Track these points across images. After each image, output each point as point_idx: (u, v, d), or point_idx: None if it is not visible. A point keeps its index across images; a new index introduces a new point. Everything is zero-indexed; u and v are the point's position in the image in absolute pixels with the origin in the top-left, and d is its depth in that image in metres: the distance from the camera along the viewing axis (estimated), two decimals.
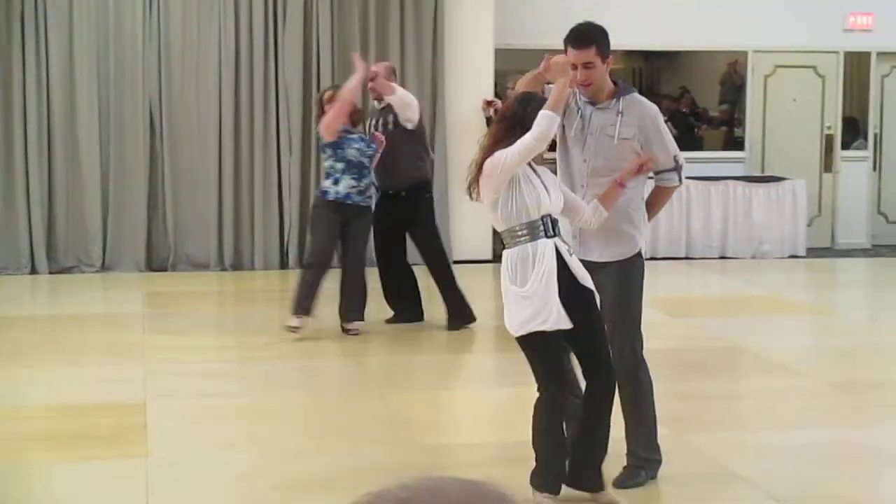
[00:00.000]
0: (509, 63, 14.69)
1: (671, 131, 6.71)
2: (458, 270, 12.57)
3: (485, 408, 8.37)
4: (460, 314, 10.46)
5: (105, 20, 13.54)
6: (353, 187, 10.02)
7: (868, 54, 16.25)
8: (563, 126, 6.19)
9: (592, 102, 6.26)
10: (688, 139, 16.21)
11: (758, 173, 15.89)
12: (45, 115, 13.47)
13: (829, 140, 16.29)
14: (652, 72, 16.29)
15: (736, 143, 16.24)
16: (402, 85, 12.13)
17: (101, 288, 13.04)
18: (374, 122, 10.56)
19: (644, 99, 6.42)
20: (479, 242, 14.54)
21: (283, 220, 14.06)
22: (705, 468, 6.75)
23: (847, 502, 6.35)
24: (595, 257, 6.23)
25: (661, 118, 6.40)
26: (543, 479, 6.01)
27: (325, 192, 10.08)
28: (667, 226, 15.14)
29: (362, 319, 10.30)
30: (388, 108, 10.41)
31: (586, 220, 6.08)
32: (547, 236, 5.82)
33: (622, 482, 6.38)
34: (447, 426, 8.05)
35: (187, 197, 13.80)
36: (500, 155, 5.79)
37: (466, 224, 14.39)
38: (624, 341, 6.30)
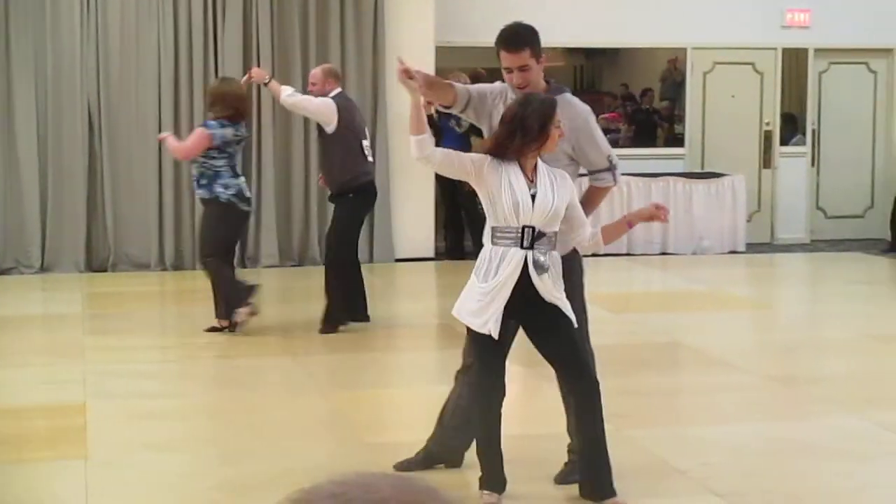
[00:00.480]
0: (451, 61, 14.71)
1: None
2: (401, 268, 12.60)
3: (427, 406, 8.35)
4: (333, 318, 10.41)
5: (42, 19, 13.42)
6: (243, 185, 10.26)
7: (805, 51, 16.40)
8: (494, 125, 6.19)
9: None
10: (650, 137, 16.34)
11: (698, 169, 15.99)
12: None
13: (767, 136, 16.42)
14: (593, 69, 16.36)
15: (676, 140, 16.33)
16: (343, 84, 12.12)
17: (41, 289, 12.93)
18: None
19: (576, 99, 6.42)
20: (422, 241, 14.55)
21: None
22: (646, 463, 6.78)
23: (785, 496, 6.40)
24: None
25: (593, 118, 6.40)
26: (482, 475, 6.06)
27: (225, 191, 10.05)
28: (607, 223, 15.16)
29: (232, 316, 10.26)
30: None
31: (580, 241, 6.10)
32: (521, 247, 5.82)
33: (563, 478, 6.40)
34: (389, 425, 8.04)
35: (127, 196, 13.71)
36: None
37: (408, 222, 14.40)
38: None
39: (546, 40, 15.68)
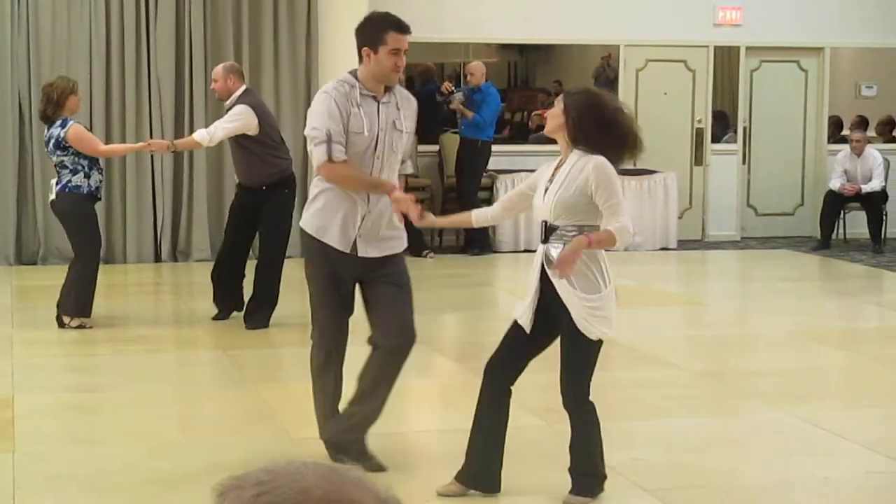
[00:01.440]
0: None
1: None
2: None
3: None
4: (263, 313, 10.40)
5: None
6: (101, 181, 10.27)
7: (737, 48, 16.54)
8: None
9: (374, 97, 6.36)
10: None
11: (629, 166, 15.95)
12: None
13: (699, 133, 16.54)
14: (527, 65, 16.41)
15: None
16: (276, 80, 12.09)
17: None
18: None
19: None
20: None
21: (156, 213, 13.91)
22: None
23: (715, 491, 6.45)
24: (374, 253, 6.37)
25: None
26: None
27: (78, 187, 9.99)
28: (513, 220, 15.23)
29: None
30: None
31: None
32: (542, 241, 5.97)
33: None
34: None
35: None
36: None
37: None
38: None
39: (480, 35, 15.79)
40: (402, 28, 6.40)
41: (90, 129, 13.41)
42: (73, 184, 10.00)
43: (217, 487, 1.64)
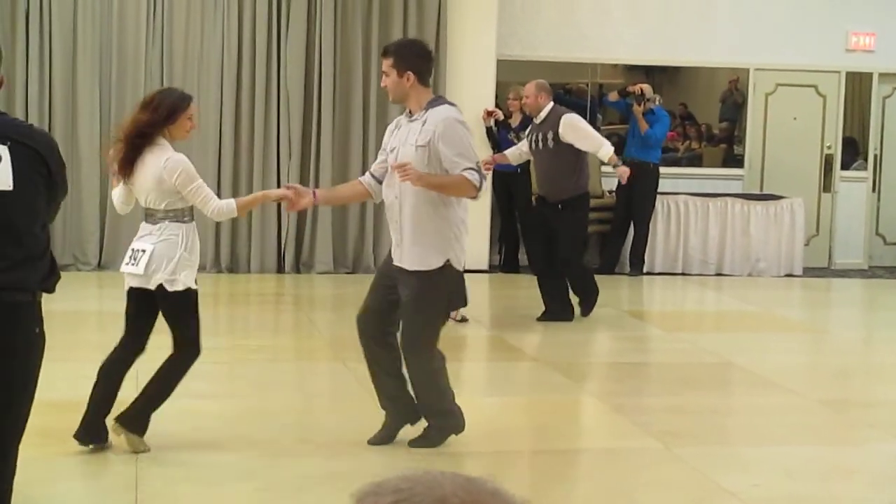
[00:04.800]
0: (511, 74, 14.73)
1: None
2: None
3: (478, 416, 8.36)
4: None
5: (108, 22, 13.58)
6: None
7: (870, 75, 16.29)
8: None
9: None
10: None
11: (756, 191, 15.90)
12: (46, 115, 13.51)
13: (828, 160, 16.31)
14: (653, 87, 16.28)
15: (735, 161, 16.25)
16: None
17: (97, 286, 13.04)
18: (534, 136, 11.10)
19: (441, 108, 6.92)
20: (476, 253, 14.55)
21: (280, 223, 14.08)
22: (695, 482, 6.75)
23: None
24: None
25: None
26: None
27: None
28: (663, 242, 15.17)
29: None
30: (545, 124, 10.98)
31: None
32: None
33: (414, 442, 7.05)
34: None
35: None
36: None
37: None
38: None
39: (607, 56, 15.76)
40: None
41: (219, 139, 13.70)
42: None
43: (355, 493, 1.66)
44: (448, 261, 6.74)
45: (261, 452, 7.11)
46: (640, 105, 14.68)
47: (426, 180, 6.61)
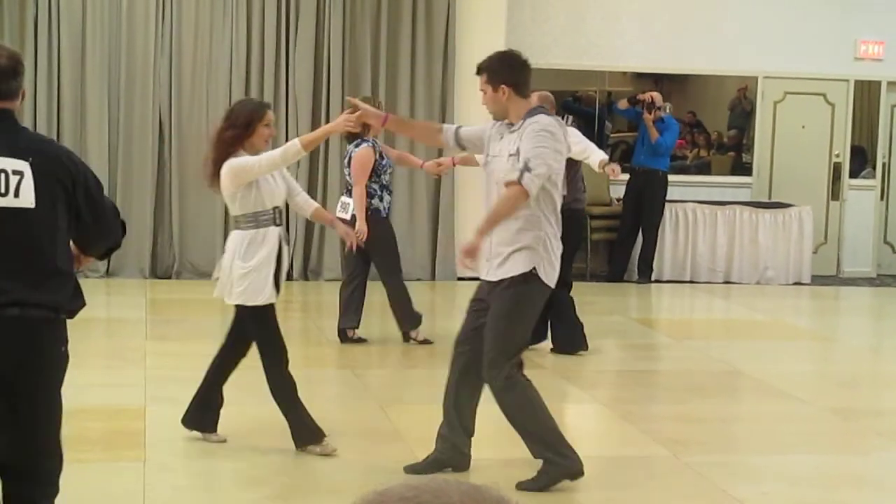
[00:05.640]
0: None
1: None
2: (463, 287, 12.64)
3: (483, 425, 8.37)
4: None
5: (117, 27, 13.59)
6: (390, 202, 10.41)
7: (878, 83, 16.27)
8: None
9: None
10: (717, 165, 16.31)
11: (765, 199, 15.89)
12: (55, 121, 13.51)
13: (836, 168, 16.30)
14: (662, 95, 16.29)
15: (744, 169, 16.24)
16: (411, 99, 12.10)
17: (105, 293, 13.05)
18: None
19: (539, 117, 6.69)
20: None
21: (288, 230, 14.06)
22: (703, 490, 6.75)
23: None
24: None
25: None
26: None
27: (378, 211, 10.24)
28: (672, 249, 15.16)
29: None
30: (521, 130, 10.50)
31: None
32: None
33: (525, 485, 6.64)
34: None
35: (194, 205, 13.83)
36: None
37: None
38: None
39: (615, 64, 15.73)
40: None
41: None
42: (372, 207, 10.13)
43: (359, 501, 1.64)
44: (534, 269, 6.48)
45: (269, 460, 7.11)
46: (650, 113, 14.69)
47: (480, 235, 6.45)
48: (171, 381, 8.98)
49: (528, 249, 6.46)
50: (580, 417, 8.67)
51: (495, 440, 7.29)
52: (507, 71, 6.75)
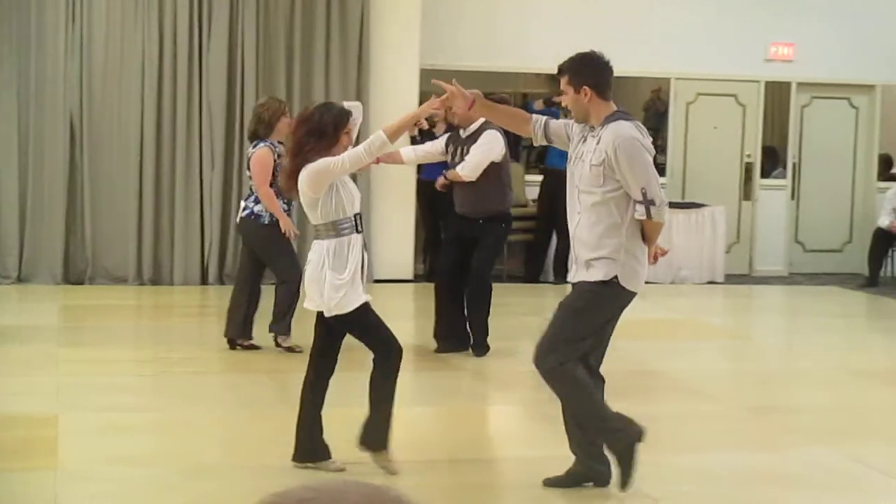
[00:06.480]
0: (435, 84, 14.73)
1: None
2: (379, 289, 12.61)
3: (404, 426, 8.35)
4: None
5: (27, 31, 13.41)
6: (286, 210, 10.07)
7: (789, 84, 16.47)
8: None
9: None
10: None
11: (678, 199, 16.01)
12: None
13: (748, 168, 16.48)
14: None
15: (658, 169, 16.28)
16: (326, 99, 12.00)
17: (17, 300, 12.89)
18: (459, 149, 10.32)
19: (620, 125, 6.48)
20: (401, 263, 14.56)
21: (203, 234, 13.96)
22: (618, 490, 6.76)
23: None
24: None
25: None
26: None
27: (259, 216, 9.95)
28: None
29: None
30: (473, 138, 10.24)
31: None
32: None
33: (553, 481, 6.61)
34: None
35: (106, 210, 13.69)
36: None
37: (388, 244, 14.40)
38: None
39: (530, 65, 15.75)
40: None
41: (141, 149, 13.53)
42: (254, 211, 9.95)
43: None
44: (616, 277, 6.38)
45: (185, 466, 7.05)
46: (567, 115, 14.75)
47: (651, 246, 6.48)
48: (84, 388, 8.89)
49: (607, 259, 6.37)
50: (498, 419, 8.68)
51: (413, 442, 7.28)
52: (589, 72, 6.65)
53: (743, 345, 12.21)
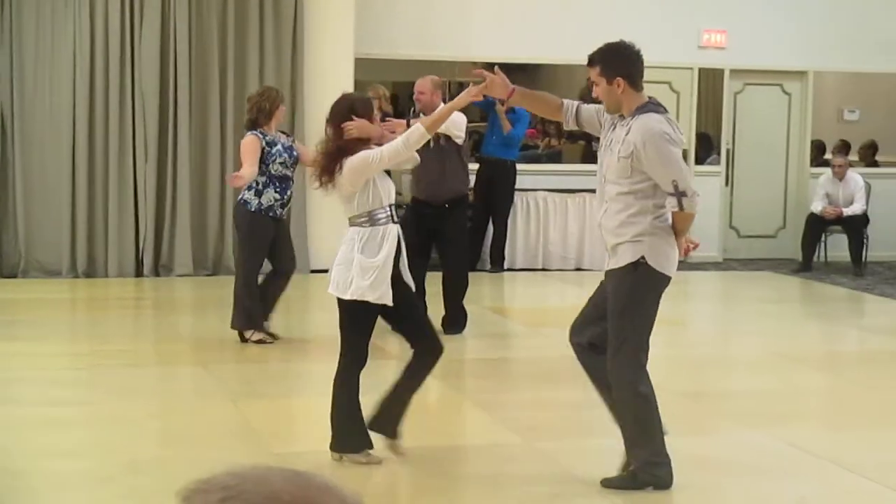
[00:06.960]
0: (370, 73, 14.72)
1: None
2: (315, 279, 12.60)
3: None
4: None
5: None
6: (277, 200, 10.06)
7: (721, 71, 16.59)
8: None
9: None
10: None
11: None
12: None
13: (683, 155, 16.54)
14: (513, 84, 16.43)
15: (594, 157, 16.37)
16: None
17: None
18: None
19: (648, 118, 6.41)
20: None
21: (138, 227, 13.88)
22: (552, 474, 6.81)
23: None
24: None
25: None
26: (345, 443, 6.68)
27: (247, 203, 9.96)
28: (524, 238, 15.29)
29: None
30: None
31: None
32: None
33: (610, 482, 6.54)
34: (299, 435, 8.02)
35: (39, 203, 13.58)
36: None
37: (324, 233, 14.37)
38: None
39: (466, 54, 15.69)
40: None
41: (73, 141, 13.41)
42: (244, 198, 9.99)
43: (182, 492, 1.64)
44: (643, 258, 6.40)
45: (120, 459, 7.02)
46: (502, 105, 14.78)
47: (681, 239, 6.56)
48: (17, 382, 8.83)
49: (632, 242, 6.38)
50: (434, 406, 8.70)
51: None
52: (622, 62, 6.55)
53: (678, 331, 12.27)
